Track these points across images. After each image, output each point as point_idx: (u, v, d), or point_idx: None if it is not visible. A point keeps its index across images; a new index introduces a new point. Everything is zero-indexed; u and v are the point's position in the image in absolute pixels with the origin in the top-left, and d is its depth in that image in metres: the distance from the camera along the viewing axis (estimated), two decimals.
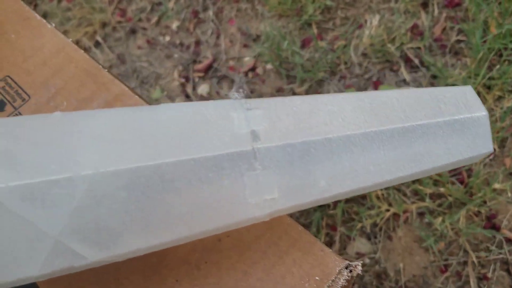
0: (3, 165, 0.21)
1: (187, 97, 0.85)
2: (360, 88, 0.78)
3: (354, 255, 0.66)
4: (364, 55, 0.81)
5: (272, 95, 0.82)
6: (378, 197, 0.68)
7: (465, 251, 0.64)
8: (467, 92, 0.26)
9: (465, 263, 0.63)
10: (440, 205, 0.66)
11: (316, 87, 0.80)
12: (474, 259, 0.63)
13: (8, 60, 0.35)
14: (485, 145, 0.26)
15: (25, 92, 0.33)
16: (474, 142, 0.25)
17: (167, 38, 0.92)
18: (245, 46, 0.87)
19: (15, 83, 0.34)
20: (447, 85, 0.74)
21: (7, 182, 0.21)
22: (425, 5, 0.82)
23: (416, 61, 0.78)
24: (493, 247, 0.63)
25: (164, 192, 0.22)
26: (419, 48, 0.79)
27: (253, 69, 0.85)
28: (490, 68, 0.72)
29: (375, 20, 0.81)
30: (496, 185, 0.65)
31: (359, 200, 0.69)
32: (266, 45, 0.83)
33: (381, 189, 0.69)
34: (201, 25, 0.91)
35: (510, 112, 0.69)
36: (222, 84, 0.85)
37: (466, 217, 0.65)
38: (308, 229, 0.60)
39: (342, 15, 0.85)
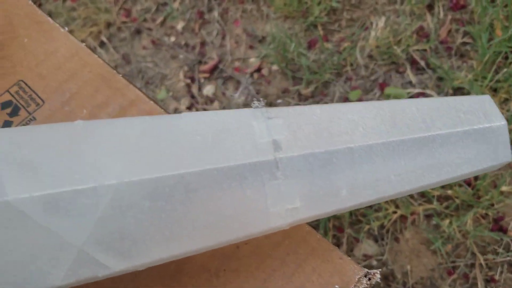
0: (26, 175, 0.21)
1: (193, 98, 0.85)
2: (366, 90, 0.78)
3: (361, 257, 0.66)
4: (370, 57, 0.81)
5: (278, 97, 0.82)
6: None
7: (473, 253, 0.64)
8: (486, 102, 0.26)
9: (472, 265, 0.63)
10: (447, 207, 0.66)
11: (322, 89, 0.80)
12: (482, 261, 0.63)
13: (22, 64, 0.34)
14: (504, 154, 0.26)
15: (39, 97, 0.33)
16: (493, 152, 0.25)
17: (172, 39, 0.91)
18: (251, 47, 0.87)
19: (29, 87, 0.34)
20: (453, 87, 0.74)
21: (30, 192, 0.21)
22: (430, 7, 0.82)
23: (422, 63, 0.78)
24: (500, 249, 0.63)
25: (188, 202, 0.22)
26: (425, 50, 0.79)
27: (258, 70, 0.84)
28: (496, 71, 0.72)
29: (381, 22, 0.81)
30: (504, 188, 0.65)
31: None
32: (272, 46, 0.83)
33: None
34: (206, 26, 0.91)
35: None
36: (228, 85, 0.85)
37: (473, 220, 0.65)
38: (315, 231, 0.60)
39: (348, 16, 0.85)
